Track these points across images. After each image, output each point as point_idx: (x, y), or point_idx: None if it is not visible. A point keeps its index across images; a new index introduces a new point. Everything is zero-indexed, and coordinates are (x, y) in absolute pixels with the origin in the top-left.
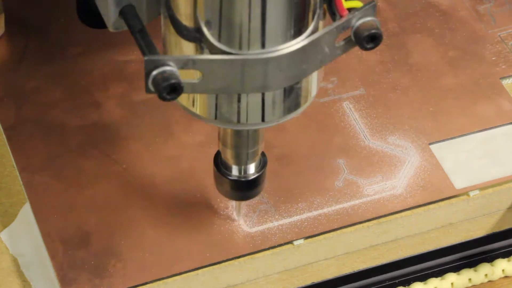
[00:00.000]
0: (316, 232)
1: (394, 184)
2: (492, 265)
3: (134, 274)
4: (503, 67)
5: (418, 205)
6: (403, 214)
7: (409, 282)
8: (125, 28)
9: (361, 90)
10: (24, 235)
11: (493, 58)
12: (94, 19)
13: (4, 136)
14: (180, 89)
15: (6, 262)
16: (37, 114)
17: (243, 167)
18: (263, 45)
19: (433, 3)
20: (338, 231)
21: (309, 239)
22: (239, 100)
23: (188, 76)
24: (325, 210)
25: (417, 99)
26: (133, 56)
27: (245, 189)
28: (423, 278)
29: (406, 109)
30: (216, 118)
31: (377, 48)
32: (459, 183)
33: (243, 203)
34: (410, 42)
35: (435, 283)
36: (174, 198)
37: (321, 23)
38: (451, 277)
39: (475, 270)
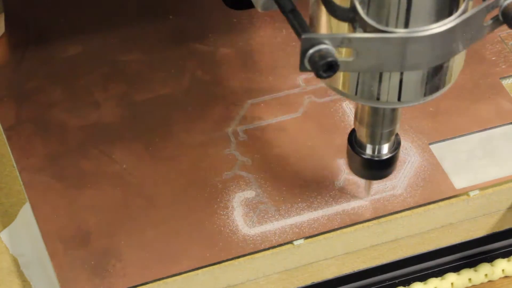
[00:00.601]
0: (316, 232)
1: (394, 184)
2: (492, 265)
3: (134, 274)
4: (503, 67)
5: (418, 205)
6: (403, 214)
7: (409, 282)
8: (275, 8)
9: None
10: (24, 235)
11: (493, 58)
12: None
13: (4, 136)
14: (337, 66)
15: (6, 262)
16: (37, 114)
17: (377, 146)
18: (418, 24)
19: None
20: (338, 231)
21: (309, 239)
22: (381, 79)
23: (341, 55)
24: (325, 210)
25: None
26: (133, 56)
27: (377, 168)
28: (423, 278)
29: (406, 109)
30: (356, 94)
31: None
32: (459, 183)
33: (374, 182)
34: None
35: (435, 283)
36: (174, 198)
37: (470, 3)
38: (451, 277)
39: (475, 270)
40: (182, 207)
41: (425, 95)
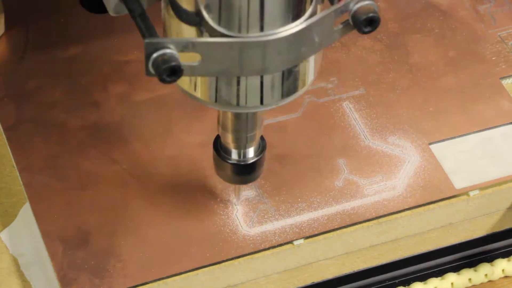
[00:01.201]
0: (316, 232)
1: (394, 184)
2: (492, 265)
3: (134, 274)
4: (503, 67)
5: (418, 205)
6: (403, 214)
7: (409, 282)
8: (126, 12)
9: (361, 90)
10: (24, 235)
11: (493, 58)
12: (95, 3)
13: (4, 136)
14: (180, 71)
15: (6, 262)
16: (37, 114)
17: (242, 151)
18: (261, 28)
19: (433, 3)
20: (338, 231)
21: (309, 239)
22: (238, 83)
23: (188, 59)
24: (325, 210)
25: (417, 99)
26: (133, 56)
27: (244, 173)
28: (423, 278)
29: (406, 109)
30: (216, 101)
31: (377, 48)
32: (459, 183)
33: (242, 187)
34: (410, 42)
35: (435, 283)
36: (174, 198)
37: (319, 7)
38: (451, 277)
39: (475, 270)
40: (182, 207)
41: (282, 97)
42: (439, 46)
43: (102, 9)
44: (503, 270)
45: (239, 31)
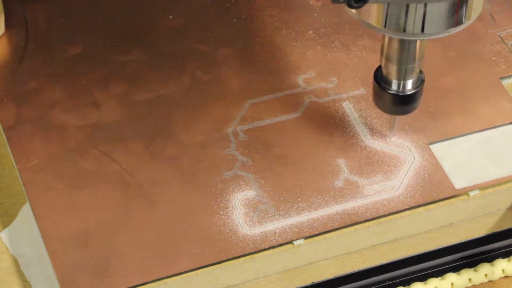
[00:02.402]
0: (316, 232)
1: (394, 184)
2: (492, 265)
3: (134, 274)
4: (503, 67)
5: (418, 205)
6: (403, 214)
7: (409, 282)
8: None
9: (361, 90)
10: (24, 235)
11: (493, 58)
12: None
13: (4, 136)
14: None
15: (6, 262)
16: (37, 114)
17: (402, 82)
18: None
19: None
20: (338, 231)
21: (309, 239)
22: (407, 10)
23: None
24: (325, 210)
25: None
26: (133, 56)
27: (402, 103)
28: (423, 278)
29: None
30: (385, 26)
31: (377, 48)
32: (459, 183)
33: (398, 118)
34: None
35: (435, 283)
36: (174, 198)
37: None
38: (451, 277)
39: (475, 270)
40: (182, 207)
41: (447, 27)
42: (439, 46)
43: None
44: (503, 270)
45: None
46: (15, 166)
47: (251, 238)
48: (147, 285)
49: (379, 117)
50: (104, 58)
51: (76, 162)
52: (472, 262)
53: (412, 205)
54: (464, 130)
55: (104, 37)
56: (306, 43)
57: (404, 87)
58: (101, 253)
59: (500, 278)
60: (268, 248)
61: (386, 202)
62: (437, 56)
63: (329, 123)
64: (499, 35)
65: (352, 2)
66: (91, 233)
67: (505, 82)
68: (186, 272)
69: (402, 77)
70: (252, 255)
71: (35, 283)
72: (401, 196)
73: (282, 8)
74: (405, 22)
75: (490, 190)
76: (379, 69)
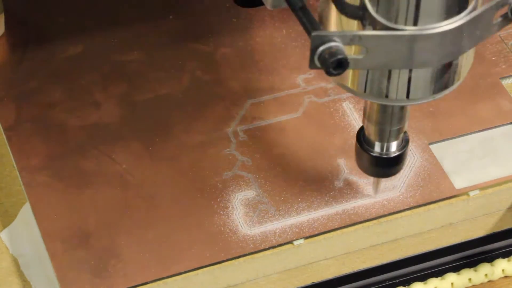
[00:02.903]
0: (316, 232)
1: (394, 184)
2: (492, 265)
3: (134, 274)
4: (503, 67)
5: (418, 205)
6: (403, 214)
7: (409, 282)
8: (285, 5)
9: None
10: (24, 235)
11: (493, 58)
12: None
13: (4, 136)
14: (347, 64)
15: (6, 262)
16: (37, 114)
17: (385, 144)
18: (428, 21)
19: None
20: (338, 231)
21: (309, 239)
22: (390, 76)
23: (351, 52)
24: (325, 210)
25: None
26: (133, 56)
27: (385, 166)
28: (423, 278)
29: None
30: (365, 91)
31: None
32: (459, 183)
33: (382, 180)
34: None
35: (435, 283)
36: (174, 198)
37: (479, 0)
38: (451, 277)
39: (475, 270)
40: (182, 207)
41: (434, 92)
42: None
43: (256, 3)
44: (503, 270)
45: (405, 24)
46: (15, 166)
47: (251, 238)
48: (147, 285)
49: None
50: (104, 58)
51: (76, 162)
52: (472, 262)
53: (412, 205)
54: (464, 130)
55: (104, 37)
56: (306, 43)
57: (388, 149)
58: (101, 253)
59: (500, 278)
60: (268, 248)
61: (386, 202)
62: None
63: (329, 123)
64: (499, 35)
65: (331, 69)
66: (91, 233)
67: (505, 82)
68: (186, 272)
69: (385, 139)
70: (252, 255)
71: (35, 283)
72: (401, 196)
73: (282, 8)
74: (388, 88)
75: (490, 190)
76: (361, 130)
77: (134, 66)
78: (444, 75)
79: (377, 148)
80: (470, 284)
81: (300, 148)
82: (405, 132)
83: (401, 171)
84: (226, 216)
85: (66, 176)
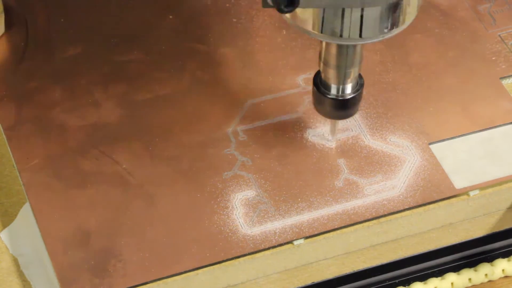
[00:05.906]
0: (316, 232)
1: (394, 184)
2: (492, 265)
3: (134, 274)
4: (503, 67)
5: (418, 205)
6: (403, 214)
7: (409, 282)
8: None
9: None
10: (24, 235)
11: (493, 58)
12: None
13: (4, 136)
14: (297, 1)
15: (6, 262)
16: (37, 114)
17: (341, 86)
18: None
19: (433, 3)
20: (338, 231)
21: (309, 239)
22: (343, 15)
23: None
24: (325, 210)
25: (417, 99)
26: (133, 56)
27: (341, 108)
28: (423, 278)
29: (406, 109)
30: (322, 32)
31: (377, 48)
32: (459, 183)
33: (338, 123)
34: (410, 42)
35: (435, 283)
36: (174, 198)
37: None
38: (451, 277)
39: (475, 270)
40: (182, 207)
41: (384, 31)
42: (439, 46)
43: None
44: (503, 270)
45: None
46: (15, 166)
47: (251, 238)
48: (147, 285)
49: (380, 117)
50: (104, 58)
51: (76, 162)
52: (472, 262)
53: (412, 205)
54: (464, 130)
55: (104, 37)
56: (306, 43)
57: (343, 91)
58: (101, 253)
59: (500, 278)
60: (268, 248)
61: (386, 202)
62: (437, 56)
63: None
64: (499, 35)
65: (282, 7)
66: (91, 233)
67: (505, 82)
68: (186, 272)
69: (341, 81)
70: (252, 255)
71: (35, 283)
72: (401, 196)
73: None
74: (342, 28)
75: (490, 190)
76: (318, 73)
77: (134, 66)
78: (393, 15)
79: (333, 90)
80: (470, 284)
81: (300, 148)
82: (360, 76)
83: (401, 171)
84: (226, 216)
85: (66, 176)
